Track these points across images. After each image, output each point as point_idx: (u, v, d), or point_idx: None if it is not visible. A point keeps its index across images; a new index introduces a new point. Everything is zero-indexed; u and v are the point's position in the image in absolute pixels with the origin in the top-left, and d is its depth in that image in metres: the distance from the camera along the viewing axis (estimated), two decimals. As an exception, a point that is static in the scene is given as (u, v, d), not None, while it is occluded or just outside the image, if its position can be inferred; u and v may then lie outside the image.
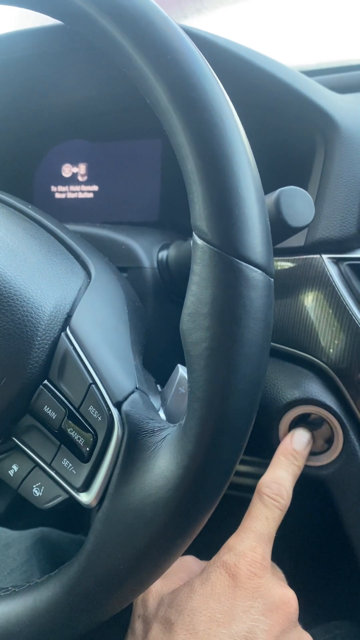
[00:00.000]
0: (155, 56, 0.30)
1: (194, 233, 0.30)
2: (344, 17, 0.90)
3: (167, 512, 0.30)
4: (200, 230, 0.30)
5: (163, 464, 0.31)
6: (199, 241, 0.30)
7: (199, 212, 0.30)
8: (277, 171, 0.52)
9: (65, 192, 0.74)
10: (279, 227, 0.39)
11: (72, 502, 0.35)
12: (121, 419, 0.33)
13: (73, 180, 0.73)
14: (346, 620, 0.56)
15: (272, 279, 0.31)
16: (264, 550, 0.41)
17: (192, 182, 0.30)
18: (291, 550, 0.56)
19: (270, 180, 0.37)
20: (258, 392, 0.31)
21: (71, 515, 0.70)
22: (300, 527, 0.67)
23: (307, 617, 0.45)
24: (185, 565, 0.45)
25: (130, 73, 0.32)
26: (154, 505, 0.30)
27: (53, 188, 0.74)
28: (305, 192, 0.40)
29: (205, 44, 0.50)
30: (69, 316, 0.37)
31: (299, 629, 0.40)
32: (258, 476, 0.46)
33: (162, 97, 0.30)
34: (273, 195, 0.40)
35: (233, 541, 0.41)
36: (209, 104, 0.30)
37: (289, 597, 0.40)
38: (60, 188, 0.74)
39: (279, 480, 0.44)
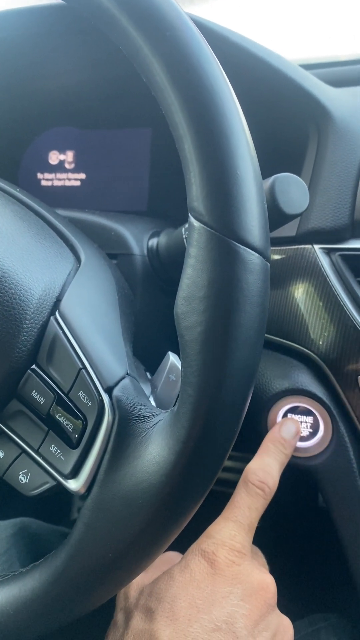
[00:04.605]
0: (154, 32, 0.30)
1: (190, 215, 0.30)
2: (339, 12, 0.90)
3: (158, 499, 0.29)
4: (197, 212, 0.29)
5: (155, 450, 0.30)
6: (196, 223, 0.29)
7: (196, 192, 0.29)
8: (269, 160, 0.51)
9: (51, 179, 0.73)
10: (273, 214, 0.39)
11: (59, 489, 0.34)
12: (112, 404, 0.32)
13: (60, 167, 0.72)
14: (331, 613, 0.56)
15: (269, 263, 0.30)
16: (244, 538, 0.41)
17: (188, 162, 0.29)
18: (278, 542, 0.56)
19: (263, 170, 0.37)
20: (252, 377, 0.30)
21: (52, 506, 0.69)
22: (288, 519, 0.67)
23: (293, 609, 0.45)
24: (167, 559, 0.46)
25: (127, 50, 0.31)
26: (144, 492, 0.30)
27: (39, 175, 0.73)
28: (300, 179, 0.40)
29: (203, 29, 0.50)
30: (58, 300, 0.36)
31: (277, 612, 0.41)
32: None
33: (159, 74, 0.30)
34: (267, 182, 0.39)
35: (212, 529, 0.42)
36: (208, 83, 0.29)
37: (267, 583, 0.40)
38: (47, 175, 0.73)
39: (266, 467, 0.44)
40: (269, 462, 0.45)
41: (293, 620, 0.42)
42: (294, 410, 0.49)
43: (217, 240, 0.28)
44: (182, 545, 0.42)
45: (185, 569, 0.39)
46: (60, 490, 0.34)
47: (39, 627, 0.33)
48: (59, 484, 0.34)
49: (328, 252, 0.48)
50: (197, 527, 0.41)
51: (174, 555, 0.46)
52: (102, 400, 0.32)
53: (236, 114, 0.30)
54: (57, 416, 0.34)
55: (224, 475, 0.69)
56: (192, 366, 0.29)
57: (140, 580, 0.42)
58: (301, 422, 0.49)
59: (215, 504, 0.44)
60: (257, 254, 0.29)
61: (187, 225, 0.30)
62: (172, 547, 0.38)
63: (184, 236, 0.46)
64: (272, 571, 0.43)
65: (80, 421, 0.33)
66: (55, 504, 0.71)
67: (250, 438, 0.49)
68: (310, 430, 0.49)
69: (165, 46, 0.29)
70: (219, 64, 0.31)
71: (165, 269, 0.52)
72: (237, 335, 0.28)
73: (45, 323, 0.35)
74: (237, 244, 0.28)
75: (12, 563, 0.52)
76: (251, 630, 0.37)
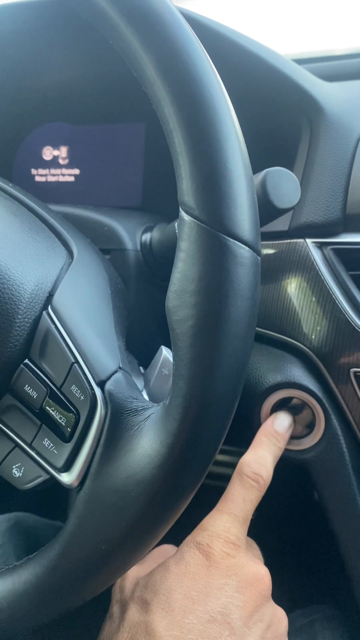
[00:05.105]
0: (143, 26, 0.30)
1: (180, 209, 0.30)
2: (332, 6, 0.90)
3: (151, 491, 0.30)
4: (187, 206, 0.29)
5: (147, 443, 0.30)
6: (186, 217, 0.29)
7: (186, 186, 0.29)
8: (261, 155, 0.52)
9: (45, 175, 0.73)
10: (264, 209, 0.39)
11: (52, 483, 0.34)
12: (104, 398, 0.32)
13: (54, 163, 0.72)
14: (325, 604, 0.56)
15: (259, 257, 0.30)
16: (238, 530, 0.41)
17: (179, 156, 0.29)
18: (272, 534, 0.57)
19: (255, 164, 0.37)
20: (243, 370, 0.30)
21: (48, 501, 0.69)
22: (282, 511, 0.67)
23: (287, 601, 0.46)
24: (162, 552, 0.46)
25: (117, 44, 0.31)
26: (137, 485, 0.30)
27: (33, 171, 0.73)
28: (291, 173, 0.40)
29: (193, 24, 0.50)
30: (50, 295, 0.36)
31: (272, 603, 0.41)
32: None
33: (149, 68, 0.30)
34: (259, 176, 0.39)
35: (207, 522, 0.42)
36: (198, 76, 0.29)
37: (262, 575, 0.40)
38: (41, 171, 0.73)
39: (260, 459, 0.44)
40: (262, 454, 0.45)
41: (287, 612, 0.42)
42: (286, 403, 0.50)
43: (207, 233, 0.28)
44: (177, 537, 0.42)
45: (181, 561, 0.40)
46: (56, 485, 0.35)
47: (33, 620, 0.33)
48: (52, 477, 0.34)
49: (320, 246, 0.49)
50: (192, 520, 0.41)
51: (169, 548, 0.47)
52: (94, 394, 0.32)
53: (226, 107, 0.30)
54: (49, 410, 0.34)
55: (218, 470, 0.69)
56: (183, 359, 0.29)
57: (135, 573, 0.42)
58: (294, 416, 0.49)
59: (210, 497, 0.44)
60: (247, 248, 0.29)
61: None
62: (167, 540, 0.39)
63: (176, 231, 0.46)
64: (267, 563, 0.43)
65: (72, 415, 0.33)
66: (52, 499, 0.72)
67: (244, 432, 0.49)
68: (303, 424, 0.49)
69: (154, 40, 0.29)
70: (209, 57, 0.31)
71: (158, 264, 0.52)
72: (228, 329, 0.29)
73: (38, 318, 0.35)
74: (227, 237, 0.28)
75: (7, 557, 0.52)
76: (246, 621, 0.38)
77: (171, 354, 0.39)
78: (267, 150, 0.56)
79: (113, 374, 0.34)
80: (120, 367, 0.35)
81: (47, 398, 0.34)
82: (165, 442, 0.29)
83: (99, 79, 0.65)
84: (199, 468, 0.30)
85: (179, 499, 0.31)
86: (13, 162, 0.73)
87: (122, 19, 0.30)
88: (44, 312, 0.35)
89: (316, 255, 0.48)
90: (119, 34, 0.31)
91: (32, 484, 0.35)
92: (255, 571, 0.40)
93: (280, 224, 0.50)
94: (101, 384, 0.33)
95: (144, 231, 0.54)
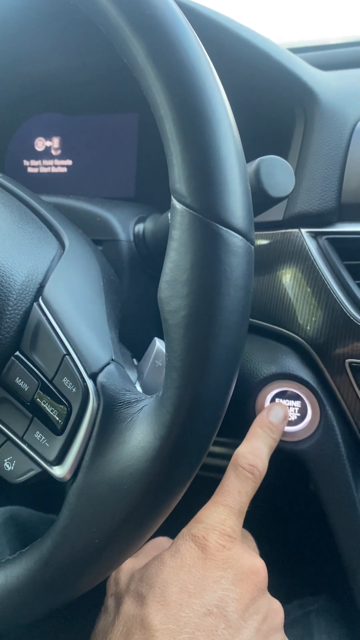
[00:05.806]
0: (133, 11, 0.29)
1: (172, 197, 0.29)
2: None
3: (144, 484, 0.29)
4: (179, 194, 0.29)
5: (139, 435, 0.30)
6: (178, 205, 0.29)
7: (178, 174, 0.28)
8: (255, 144, 0.51)
9: (37, 166, 0.72)
10: (258, 198, 0.38)
11: (45, 476, 0.34)
12: (96, 390, 0.32)
13: (46, 154, 0.72)
14: (321, 596, 0.56)
15: (253, 246, 0.30)
16: (234, 523, 0.41)
17: (170, 143, 0.29)
18: (268, 526, 0.57)
19: (249, 153, 0.37)
20: (237, 361, 0.30)
21: (43, 494, 0.69)
22: (277, 503, 0.68)
23: (283, 593, 0.46)
24: (157, 544, 0.46)
25: (107, 30, 0.31)
26: (130, 477, 0.30)
27: (25, 162, 0.72)
28: (285, 161, 0.39)
29: (186, 10, 0.49)
30: (41, 286, 0.35)
31: (268, 596, 0.41)
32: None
33: (139, 53, 0.29)
34: (253, 165, 0.39)
35: (202, 514, 0.42)
36: (190, 62, 0.29)
37: (257, 567, 0.40)
38: (33, 162, 0.72)
39: (255, 451, 0.44)
40: (257, 445, 0.45)
41: (283, 604, 0.42)
42: (282, 395, 0.50)
43: (199, 222, 0.28)
44: (172, 530, 0.42)
45: (176, 553, 0.40)
46: (50, 478, 0.34)
47: (26, 614, 0.33)
48: (44, 470, 0.34)
49: (315, 235, 0.48)
50: (187, 512, 0.41)
51: (164, 541, 0.46)
52: (86, 386, 0.32)
53: (218, 94, 0.29)
54: (41, 403, 0.33)
55: (213, 461, 0.69)
56: (175, 350, 0.29)
57: (130, 566, 0.42)
58: (289, 406, 0.49)
59: (206, 489, 0.44)
60: (240, 236, 0.29)
61: None
62: (162, 532, 0.39)
63: (169, 221, 0.46)
64: (262, 555, 0.43)
65: (64, 407, 0.33)
66: (48, 492, 0.72)
67: (239, 423, 0.49)
68: (298, 414, 0.49)
69: (145, 25, 0.29)
70: (201, 44, 0.30)
71: (151, 255, 0.52)
72: (221, 319, 0.28)
73: (29, 309, 0.34)
74: (219, 226, 0.28)
75: (1, 551, 0.52)
76: (242, 614, 0.37)
77: (164, 345, 0.38)
78: (261, 138, 0.55)
79: (105, 366, 0.33)
80: (112, 359, 0.34)
81: (38, 390, 0.33)
82: (158, 434, 0.29)
83: (92, 68, 0.65)
84: (192, 460, 0.30)
85: (173, 491, 0.30)
86: (5, 153, 0.73)
87: (111, 3, 0.29)
88: (35, 304, 0.34)
89: (311, 245, 0.48)
90: (108, 19, 0.30)
91: (24, 477, 0.34)
92: (251, 563, 0.40)
93: (275, 213, 0.50)
94: (93, 376, 0.32)
95: (137, 222, 0.53)
